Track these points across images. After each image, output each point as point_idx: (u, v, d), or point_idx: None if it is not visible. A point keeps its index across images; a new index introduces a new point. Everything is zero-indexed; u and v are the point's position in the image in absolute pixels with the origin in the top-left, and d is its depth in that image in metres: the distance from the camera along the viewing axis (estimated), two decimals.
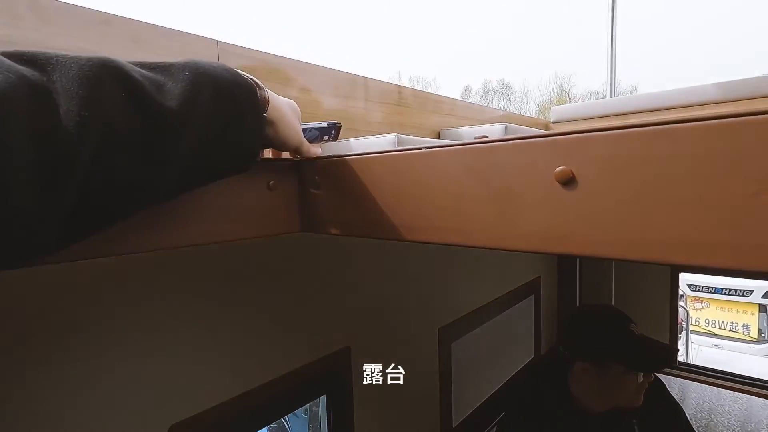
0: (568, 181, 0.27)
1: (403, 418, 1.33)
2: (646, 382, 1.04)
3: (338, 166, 0.44)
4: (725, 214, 0.22)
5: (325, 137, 0.52)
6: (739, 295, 5.72)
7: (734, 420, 1.68)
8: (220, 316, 0.84)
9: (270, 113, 0.42)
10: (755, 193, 0.21)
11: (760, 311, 5.63)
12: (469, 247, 0.33)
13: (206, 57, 0.73)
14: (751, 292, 5.64)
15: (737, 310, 5.72)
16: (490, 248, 0.32)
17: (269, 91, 0.42)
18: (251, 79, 0.40)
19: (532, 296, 2.08)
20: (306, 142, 0.47)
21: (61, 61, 0.27)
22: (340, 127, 0.53)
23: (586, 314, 1.16)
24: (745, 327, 5.64)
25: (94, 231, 0.31)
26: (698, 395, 1.86)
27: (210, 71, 0.36)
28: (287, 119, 0.44)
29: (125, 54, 0.60)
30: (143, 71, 0.32)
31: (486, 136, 0.32)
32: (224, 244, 0.83)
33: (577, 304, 2.30)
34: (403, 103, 1.26)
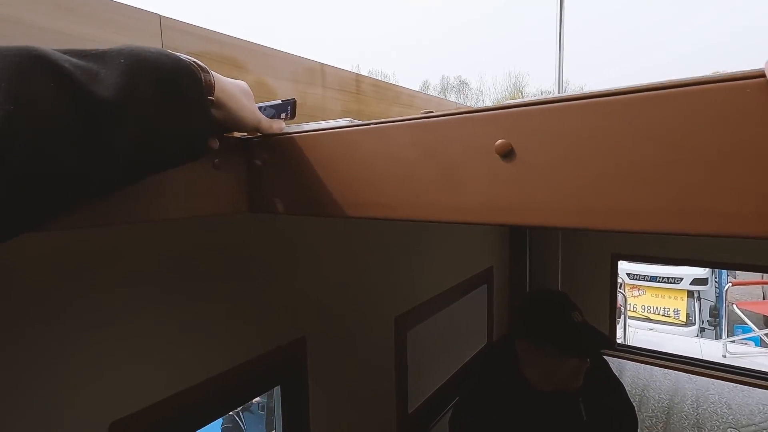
0: (508, 153, 0.28)
1: (360, 407, 1.34)
2: (583, 366, 1.07)
3: (286, 143, 0.43)
4: (648, 181, 0.24)
5: (282, 115, 0.51)
6: (671, 283, 6.24)
7: (664, 394, 1.84)
8: (165, 306, 0.80)
9: (217, 96, 0.41)
10: (673, 161, 0.23)
11: (688, 297, 6.18)
12: (417, 221, 0.34)
13: (147, 32, 0.69)
14: (681, 279, 6.18)
15: (669, 297, 6.25)
16: (438, 222, 0.33)
17: (214, 74, 0.41)
18: (194, 62, 0.38)
19: (485, 285, 2.15)
20: (264, 119, 0.46)
21: None
22: (296, 102, 0.51)
23: (535, 298, 1.21)
24: (676, 312, 6.17)
25: (26, 229, 0.29)
26: (633, 373, 2.01)
27: (147, 57, 0.34)
28: (237, 100, 0.43)
29: (49, 22, 0.55)
30: (73, 59, 0.30)
31: (431, 111, 0.32)
32: (169, 230, 0.80)
33: (527, 290, 2.41)
34: (361, 92, 1.25)
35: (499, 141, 0.28)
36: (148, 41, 0.66)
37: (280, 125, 0.47)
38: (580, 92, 0.25)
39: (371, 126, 0.35)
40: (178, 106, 0.35)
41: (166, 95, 0.34)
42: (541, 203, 0.28)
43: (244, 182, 0.47)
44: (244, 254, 0.95)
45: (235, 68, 0.87)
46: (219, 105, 0.41)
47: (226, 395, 0.94)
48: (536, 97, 0.27)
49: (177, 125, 0.35)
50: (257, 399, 3.11)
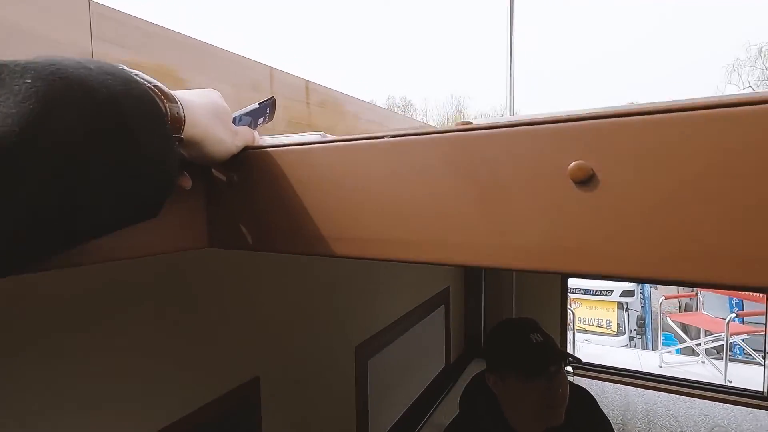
0: (587, 180, 0.21)
1: None
2: (555, 395, 1.00)
3: (261, 159, 0.33)
4: None
5: (260, 120, 0.41)
6: (602, 295, 6.70)
7: (617, 410, 1.88)
8: (94, 352, 0.65)
9: (188, 134, 0.29)
10: None
11: (618, 308, 6.66)
12: (449, 265, 0.26)
13: (73, 18, 0.56)
14: (611, 291, 6.67)
15: (601, 308, 6.70)
16: (476, 266, 0.25)
17: (183, 98, 0.29)
18: (154, 86, 0.27)
19: (443, 306, 2.10)
20: (241, 140, 0.35)
21: None
22: (275, 102, 0.42)
23: (498, 328, 1.15)
24: (608, 322, 6.61)
25: None
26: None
27: (73, 75, 0.21)
28: (212, 133, 0.32)
29: None
30: None
31: (470, 122, 0.25)
32: (98, 268, 0.65)
33: (482, 311, 2.41)
34: (312, 102, 1.16)
35: (574, 163, 0.21)
36: (76, 29, 0.53)
37: (256, 137, 0.36)
38: (700, 100, 0.19)
39: (386, 140, 0.27)
40: (125, 155, 0.23)
41: (103, 134, 0.22)
42: (631, 245, 0.21)
43: (202, 210, 0.36)
44: (187, 290, 0.81)
45: (164, 75, 0.73)
46: (190, 144, 0.30)
47: None
48: (628, 107, 0.21)
49: (122, 182, 0.23)
50: None
